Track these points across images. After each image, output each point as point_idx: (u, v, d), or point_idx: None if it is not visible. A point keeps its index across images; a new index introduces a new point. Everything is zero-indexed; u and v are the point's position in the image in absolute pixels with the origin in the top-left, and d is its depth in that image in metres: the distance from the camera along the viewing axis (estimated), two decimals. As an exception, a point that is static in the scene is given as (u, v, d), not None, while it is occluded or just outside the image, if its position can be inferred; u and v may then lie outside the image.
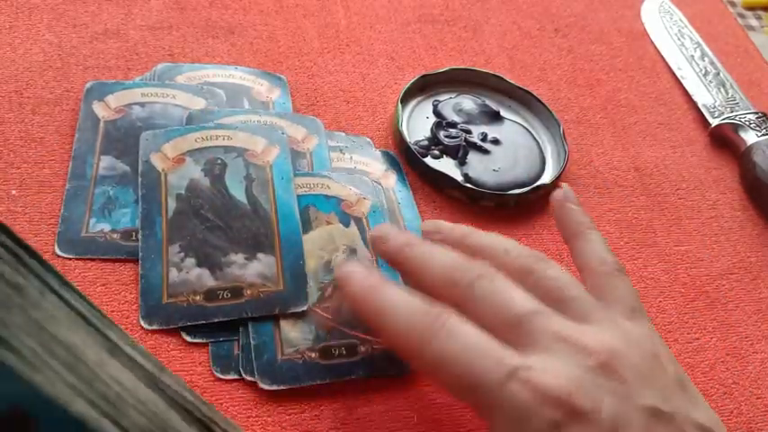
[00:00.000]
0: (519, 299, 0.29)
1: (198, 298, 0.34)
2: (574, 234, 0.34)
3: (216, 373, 0.33)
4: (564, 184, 0.36)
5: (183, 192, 0.38)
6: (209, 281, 0.35)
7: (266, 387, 0.32)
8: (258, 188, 0.38)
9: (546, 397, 0.25)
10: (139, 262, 0.35)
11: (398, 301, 0.29)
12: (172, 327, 0.33)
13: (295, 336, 0.34)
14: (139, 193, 0.37)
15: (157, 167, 0.38)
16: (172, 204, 0.37)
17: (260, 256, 0.36)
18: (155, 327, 0.33)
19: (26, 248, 0.21)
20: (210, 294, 0.34)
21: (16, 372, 0.18)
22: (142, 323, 0.33)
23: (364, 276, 0.30)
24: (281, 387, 0.33)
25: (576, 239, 0.34)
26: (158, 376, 0.20)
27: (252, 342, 0.33)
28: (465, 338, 0.27)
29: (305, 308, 0.35)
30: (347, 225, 0.39)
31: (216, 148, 0.40)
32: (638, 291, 0.32)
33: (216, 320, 0.34)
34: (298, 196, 0.39)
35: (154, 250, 0.35)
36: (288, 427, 0.32)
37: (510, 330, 0.28)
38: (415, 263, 0.32)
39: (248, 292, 0.35)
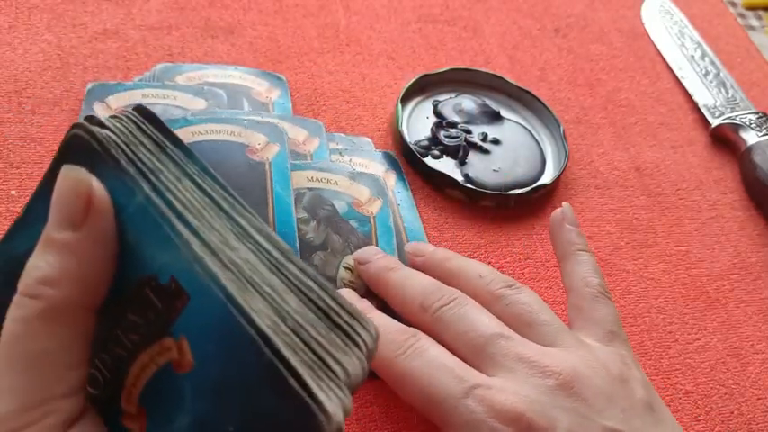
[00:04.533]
0: (484, 323, 0.30)
1: None
2: (565, 254, 0.35)
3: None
4: (564, 204, 0.37)
5: None
6: None
7: None
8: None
9: (499, 414, 0.27)
10: None
11: (376, 321, 0.30)
12: None
13: None
14: None
15: None
16: None
17: None
18: None
19: (172, 138, 0.22)
20: None
21: (184, 244, 0.20)
22: None
23: (353, 300, 0.33)
24: None
25: (567, 260, 0.35)
26: (284, 263, 0.21)
27: None
28: (430, 357, 0.29)
29: None
30: None
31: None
32: (618, 315, 0.33)
33: None
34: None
35: None
36: (288, 427, 0.32)
37: (475, 353, 0.29)
38: (392, 287, 0.34)
39: None
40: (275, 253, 0.21)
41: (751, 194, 0.50)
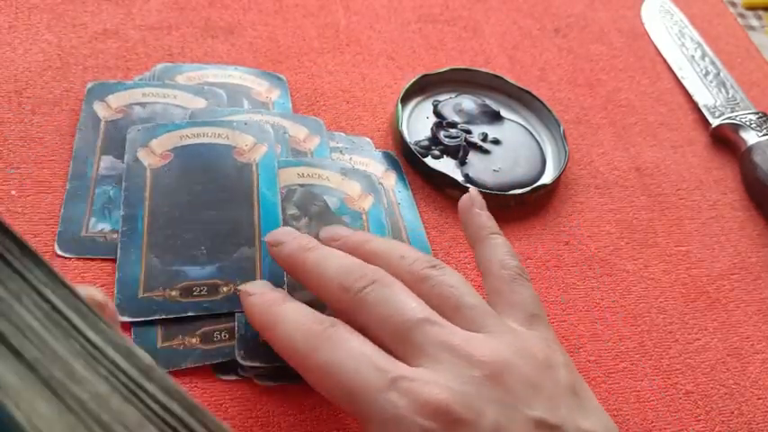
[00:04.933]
0: (410, 306, 0.28)
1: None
2: (478, 238, 0.34)
3: (216, 374, 0.33)
4: (471, 189, 0.36)
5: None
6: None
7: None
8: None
9: (423, 407, 0.25)
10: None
11: (290, 313, 0.29)
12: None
13: None
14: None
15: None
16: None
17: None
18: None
19: (14, 241, 0.20)
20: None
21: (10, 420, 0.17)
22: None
23: (263, 293, 0.31)
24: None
25: (480, 244, 0.34)
26: (142, 383, 0.19)
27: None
28: (349, 348, 0.27)
29: None
30: None
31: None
32: (538, 297, 0.32)
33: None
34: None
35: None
36: (287, 427, 0.32)
37: (399, 339, 0.28)
38: (309, 267, 0.31)
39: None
40: (133, 372, 0.19)
41: (751, 194, 0.50)
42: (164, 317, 0.33)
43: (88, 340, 0.19)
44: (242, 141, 0.40)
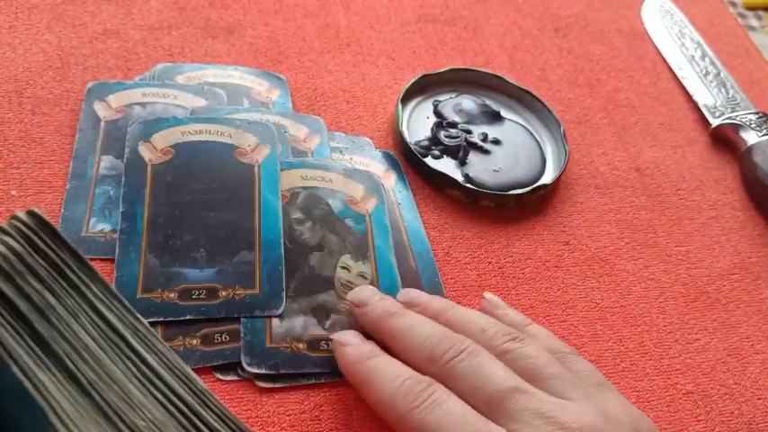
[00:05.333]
0: (499, 375, 0.30)
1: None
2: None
3: (216, 375, 0.33)
4: (486, 293, 0.37)
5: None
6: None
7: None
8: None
9: None
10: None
11: (387, 369, 0.30)
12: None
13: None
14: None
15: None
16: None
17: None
18: None
19: (71, 253, 0.19)
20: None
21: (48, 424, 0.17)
22: None
23: (357, 345, 0.32)
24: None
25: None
26: (199, 410, 0.19)
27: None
28: (449, 409, 0.28)
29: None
30: None
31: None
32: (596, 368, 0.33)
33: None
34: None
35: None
36: (288, 427, 0.32)
37: (491, 409, 0.29)
38: (396, 334, 0.32)
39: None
40: (189, 398, 0.19)
41: (751, 194, 0.50)
42: (162, 319, 0.33)
43: (144, 362, 0.19)
44: (244, 141, 0.40)
